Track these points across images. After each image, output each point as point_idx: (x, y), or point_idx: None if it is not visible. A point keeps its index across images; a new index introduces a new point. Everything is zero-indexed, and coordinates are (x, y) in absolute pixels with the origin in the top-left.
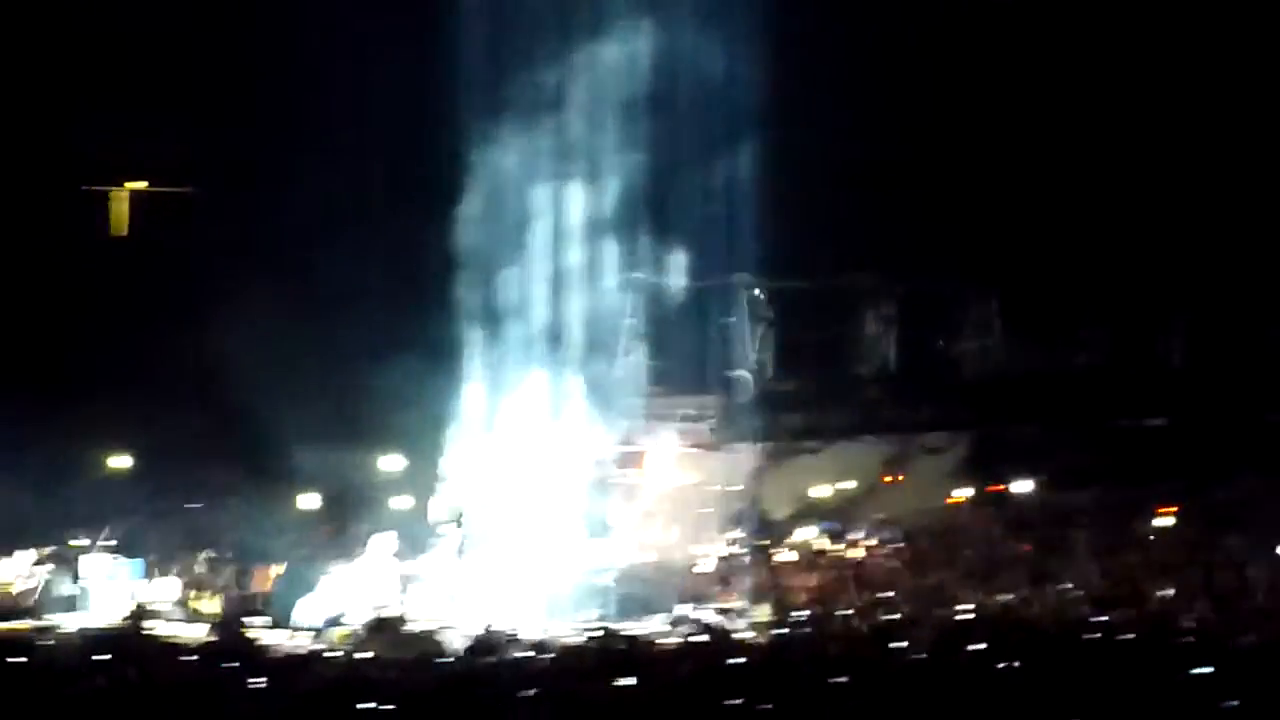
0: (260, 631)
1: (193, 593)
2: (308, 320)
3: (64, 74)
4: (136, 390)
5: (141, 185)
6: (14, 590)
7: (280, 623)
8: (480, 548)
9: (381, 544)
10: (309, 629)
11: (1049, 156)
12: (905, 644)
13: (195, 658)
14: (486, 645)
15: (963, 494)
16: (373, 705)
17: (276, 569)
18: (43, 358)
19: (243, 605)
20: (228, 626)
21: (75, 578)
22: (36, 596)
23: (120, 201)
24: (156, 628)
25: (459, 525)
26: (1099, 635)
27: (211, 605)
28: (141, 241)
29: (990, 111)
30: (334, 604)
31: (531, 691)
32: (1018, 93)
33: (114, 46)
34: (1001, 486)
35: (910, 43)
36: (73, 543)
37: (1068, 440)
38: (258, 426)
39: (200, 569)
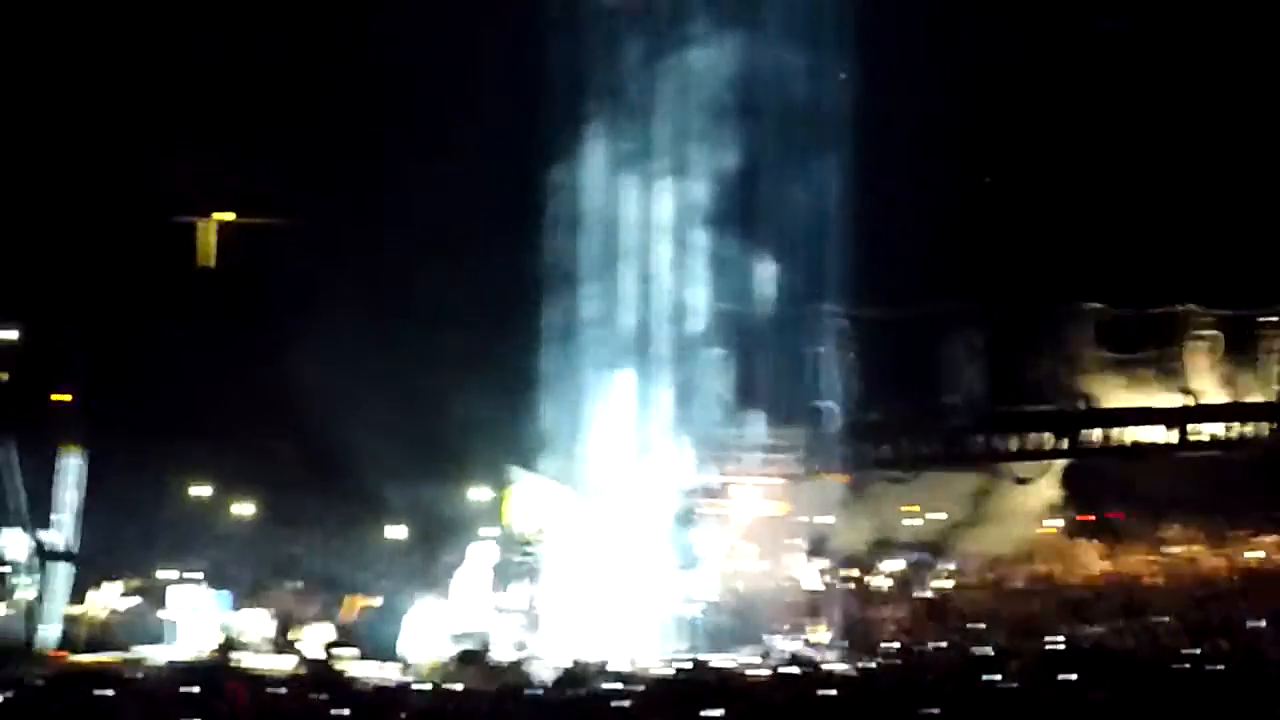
0: (349, 663)
1: (291, 626)
2: (396, 352)
3: (154, 109)
4: (225, 421)
5: (229, 216)
6: (102, 621)
7: (371, 654)
8: (568, 578)
9: (478, 566)
10: (404, 660)
11: (1133, 186)
12: (997, 675)
13: (284, 690)
14: (575, 676)
15: (1054, 524)
16: None
17: (364, 600)
18: (132, 388)
19: (331, 637)
20: (316, 658)
21: (163, 609)
22: (124, 628)
23: (208, 232)
24: (245, 660)
25: (544, 557)
26: (1190, 666)
27: (303, 637)
28: (230, 272)
29: (1076, 140)
30: (432, 634)
31: None
32: (1106, 121)
33: (206, 82)
34: (1093, 516)
35: (997, 75)
36: (160, 574)
37: (1159, 470)
38: (346, 457)
39: (287, 600)
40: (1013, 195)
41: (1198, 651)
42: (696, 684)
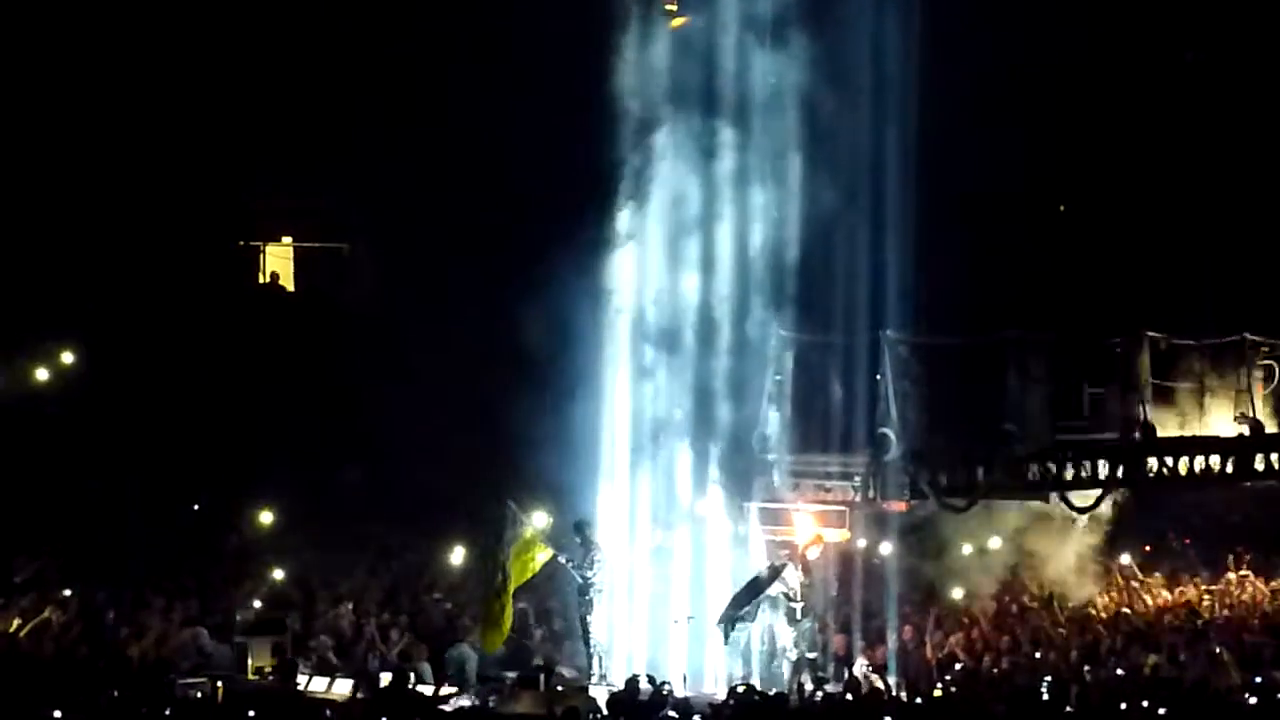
0: (405, 687)
1: (348, 650)
2: (463, 378)
3: (221, 131)
4: (288, 445)
5: (286, 241)
6: (159, 645)
7: (428, 677)
8: (627, 602)
9: (539, 589)
10: (462, 683)
11: (1200, 209)
12: (1058, 703)
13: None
14: (632, 702)
15: (1115, 552)
16: None
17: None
18: (197, 410)
19: (390, 661)
20: (375, 682)
21: (220, 634)
22: (181, 652)
23: (272, 257)
24: (303, 684)
25: (604, 581)
26: (1251, 697)
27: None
28: (298, 297)
29: (1139, 167)
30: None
31: None
32: (1170, 149)
33: (273, 106)
34: (1151, 546)
35: (1061, 101)
36: (219, 598)
37: (1218, 498)
38: (407, 482)
39: (345, 624)
40: (1078, 222)
41: (1259, 681)
42: (750, 709)
